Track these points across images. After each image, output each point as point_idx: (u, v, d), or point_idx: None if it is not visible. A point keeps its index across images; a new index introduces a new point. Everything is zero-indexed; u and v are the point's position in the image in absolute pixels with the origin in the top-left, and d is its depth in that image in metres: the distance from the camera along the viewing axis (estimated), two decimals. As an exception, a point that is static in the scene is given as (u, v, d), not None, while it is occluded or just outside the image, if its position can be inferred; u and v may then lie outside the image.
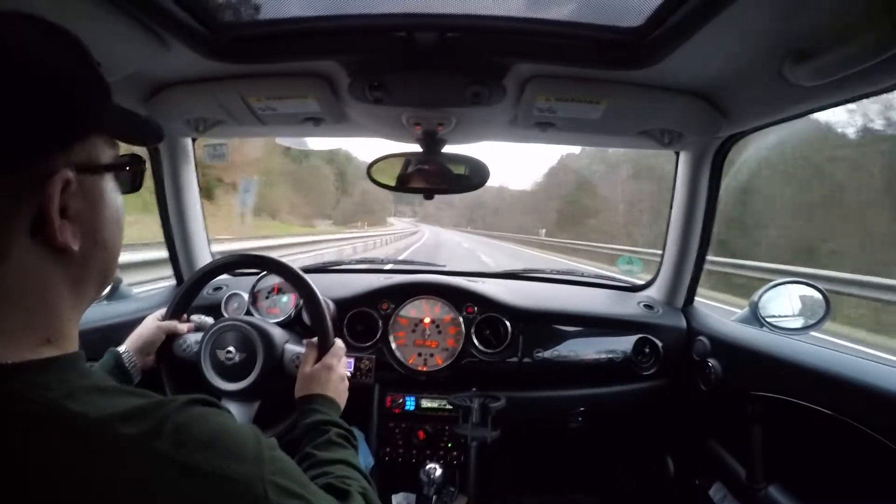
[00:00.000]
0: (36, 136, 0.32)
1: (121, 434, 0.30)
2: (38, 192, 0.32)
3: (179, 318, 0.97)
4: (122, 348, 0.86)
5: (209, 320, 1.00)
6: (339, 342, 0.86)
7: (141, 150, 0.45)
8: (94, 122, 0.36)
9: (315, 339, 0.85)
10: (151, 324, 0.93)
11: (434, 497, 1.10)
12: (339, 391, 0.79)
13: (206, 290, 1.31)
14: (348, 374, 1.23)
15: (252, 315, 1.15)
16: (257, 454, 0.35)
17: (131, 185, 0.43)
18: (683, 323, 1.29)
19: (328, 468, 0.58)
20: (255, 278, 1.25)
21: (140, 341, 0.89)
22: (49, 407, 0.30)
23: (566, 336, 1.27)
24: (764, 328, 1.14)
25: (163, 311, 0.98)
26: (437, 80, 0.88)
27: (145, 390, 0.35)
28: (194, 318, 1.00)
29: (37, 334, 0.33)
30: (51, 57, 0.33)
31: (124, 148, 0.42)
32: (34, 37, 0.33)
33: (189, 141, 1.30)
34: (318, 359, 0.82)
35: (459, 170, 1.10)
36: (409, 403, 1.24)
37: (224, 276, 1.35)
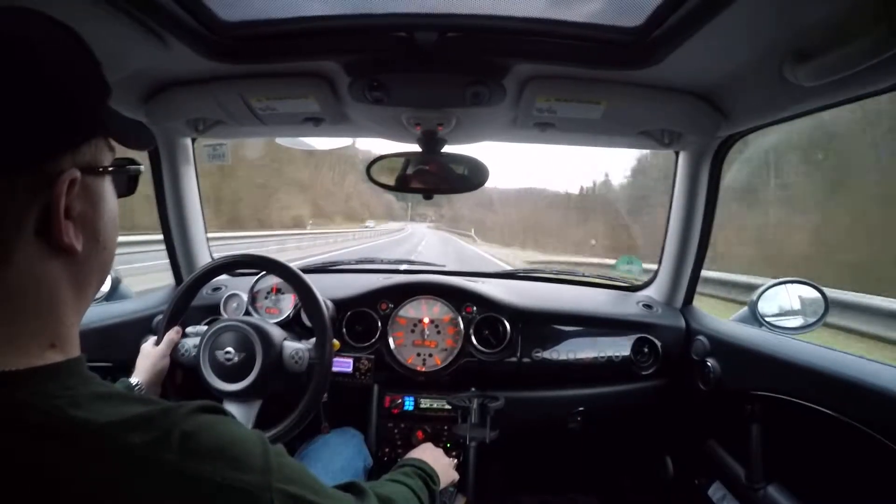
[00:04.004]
0: (49, 134, 0.32)
1: (127, 443, 0.29)
2: (46, 192, 0.32)
3: (173, 327, 0.96)
4: (134, 380, 0.85)
5: (203, 328, 0.99)
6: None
7: (136, 152, 0.45)
8: (100, 122, 0.36)
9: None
10: (152, 352, 0.92)
11: None
12: (447, 472, 0.84)
13: (205, 291, 1.31)
14: (348, 371, 1.23)
15: (251, 315, 1.15)
16: (264, 463, 0.34)
17: (127, 188, 0.43)
18: (682, 322, 1.29)
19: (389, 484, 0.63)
20: (254, 278, 1.25)
21: (152, 373, 0.88)
22: (55, 415, 0.29)
23: (565, 336, 1.27)
24: (763, 328, 1.14)
25: (153, 338, 0.96)
26: (437, 81, 0.88)
27: (150, 397, 0.35)
28: (189, 330, 0.99)
29: (41, 339, 0.33)
30: (64, 56, 0.33)
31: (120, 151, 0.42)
32: (49, 35, 0.33)
33: (189, 141, 1.30)
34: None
35: (459, 170, 1.10)
36: (408, 403, 1.24)
37: (223, 277, 1.35)
